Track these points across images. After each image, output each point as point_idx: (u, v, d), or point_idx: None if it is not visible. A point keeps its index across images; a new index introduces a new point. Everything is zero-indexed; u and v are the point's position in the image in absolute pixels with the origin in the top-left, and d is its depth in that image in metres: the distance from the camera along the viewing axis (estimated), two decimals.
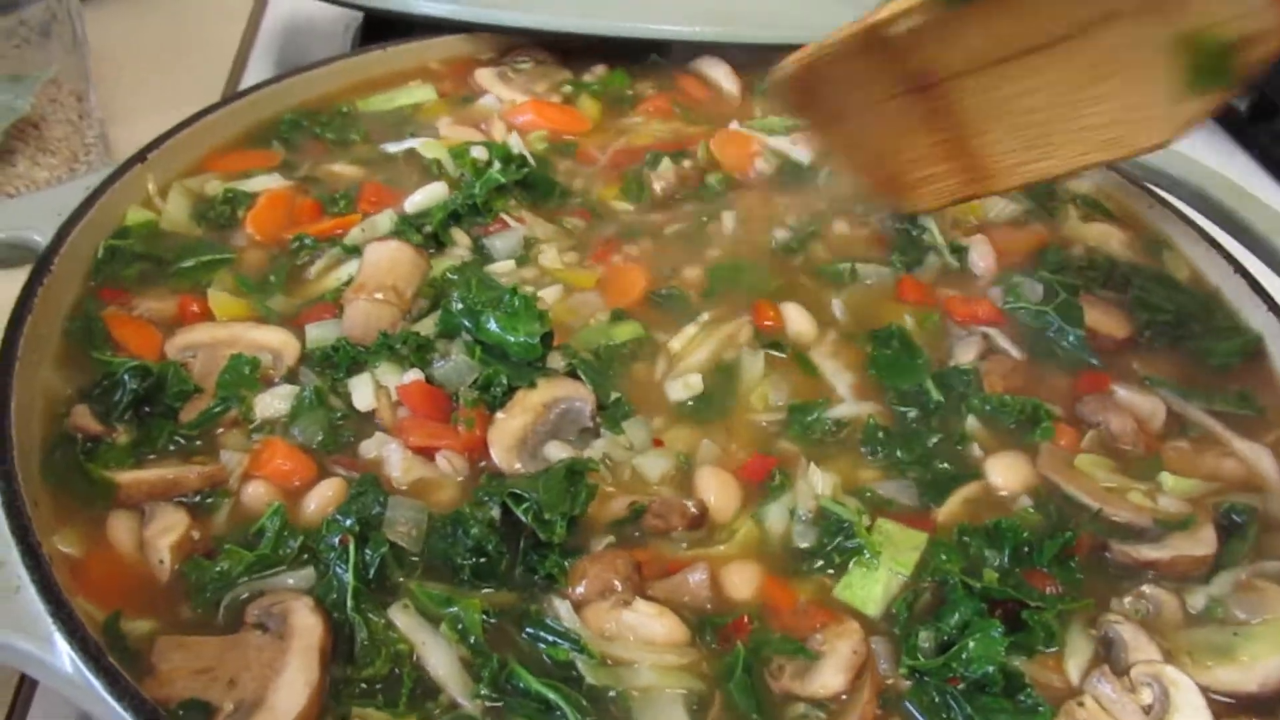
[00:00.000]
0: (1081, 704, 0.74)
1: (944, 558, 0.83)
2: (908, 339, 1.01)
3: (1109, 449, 0.96)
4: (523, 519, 0.79)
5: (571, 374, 0.93)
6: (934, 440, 0.94)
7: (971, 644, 0.75)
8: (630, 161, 1.23)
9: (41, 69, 1.28)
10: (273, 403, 0.89)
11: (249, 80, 1.70)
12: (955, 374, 0.99)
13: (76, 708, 0.86)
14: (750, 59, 1.38)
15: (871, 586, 0.81)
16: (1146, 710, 0.74)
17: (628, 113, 1.34)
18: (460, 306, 0.94)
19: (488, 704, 0.72)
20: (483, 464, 0.87)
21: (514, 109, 1.29)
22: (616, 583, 0.79)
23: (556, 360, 0.94)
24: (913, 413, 0.96)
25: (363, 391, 0.90)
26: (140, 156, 1.07)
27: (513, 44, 1.41)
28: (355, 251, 1.03)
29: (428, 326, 0.96)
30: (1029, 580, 0.82)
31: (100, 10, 1.40)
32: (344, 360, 0.92)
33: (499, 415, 0.89)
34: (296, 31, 1.85)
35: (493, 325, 0.92)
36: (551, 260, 1.08)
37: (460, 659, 0.74)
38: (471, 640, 0.75)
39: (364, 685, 0.72)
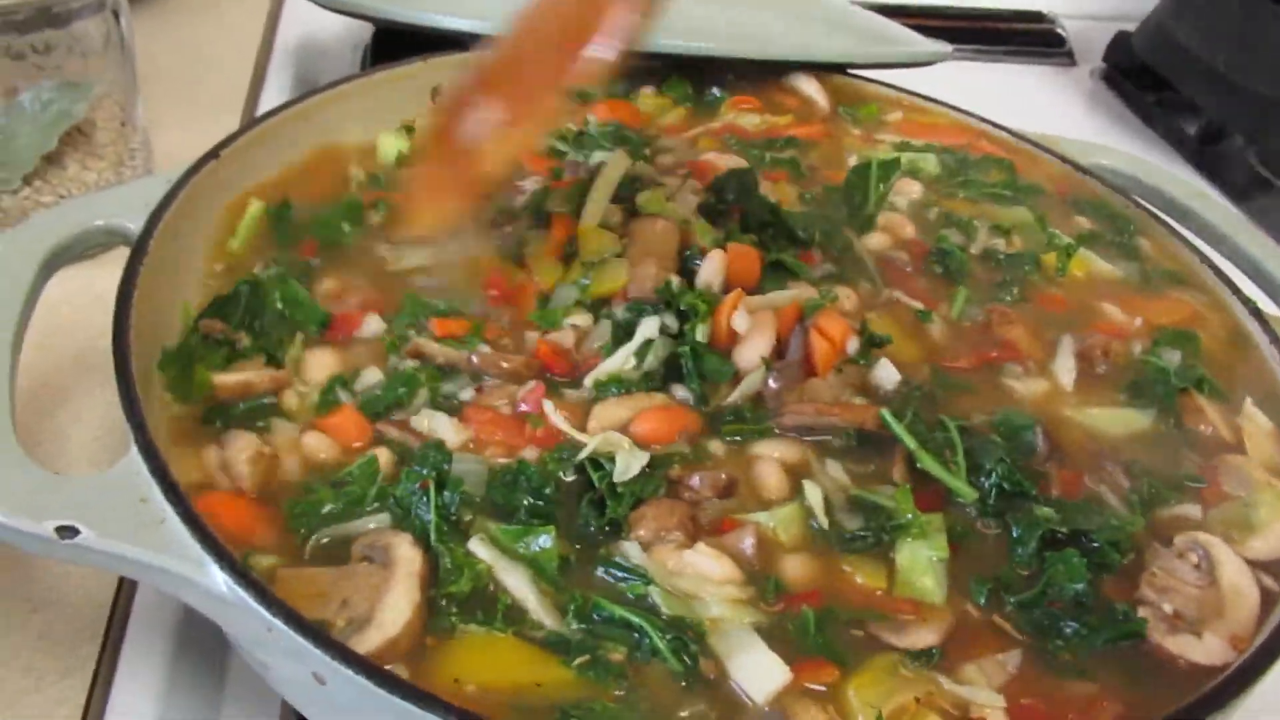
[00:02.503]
0: (1154, 574, 0.85)
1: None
2: None
3: None
4: (596, 485, 0.87)
5: None
6: None
7: (1059, 569, 0.84)
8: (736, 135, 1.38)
9: (94, 79, 1.36)
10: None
11: (268, 93, 1.79)
12: None
13: (184, 615, 0.98)
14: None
15: (922, 576, 0.85)
16: (1197, 568, 0.85)
17: (716, 109, 1.46)
18: None
19: (577, 628, 0.80)
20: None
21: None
22: (673, 529, 0.86)
23: None
24: None
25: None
26: (214, 153, 1.12)
27: None
28: None
29: None
30: None
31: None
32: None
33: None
34: (309, 49, 1.95)
35: None
36: None
37: (541, 591, 0.81)
38: (548, 575, 0.82)
39: (458, 604, 0.80)
